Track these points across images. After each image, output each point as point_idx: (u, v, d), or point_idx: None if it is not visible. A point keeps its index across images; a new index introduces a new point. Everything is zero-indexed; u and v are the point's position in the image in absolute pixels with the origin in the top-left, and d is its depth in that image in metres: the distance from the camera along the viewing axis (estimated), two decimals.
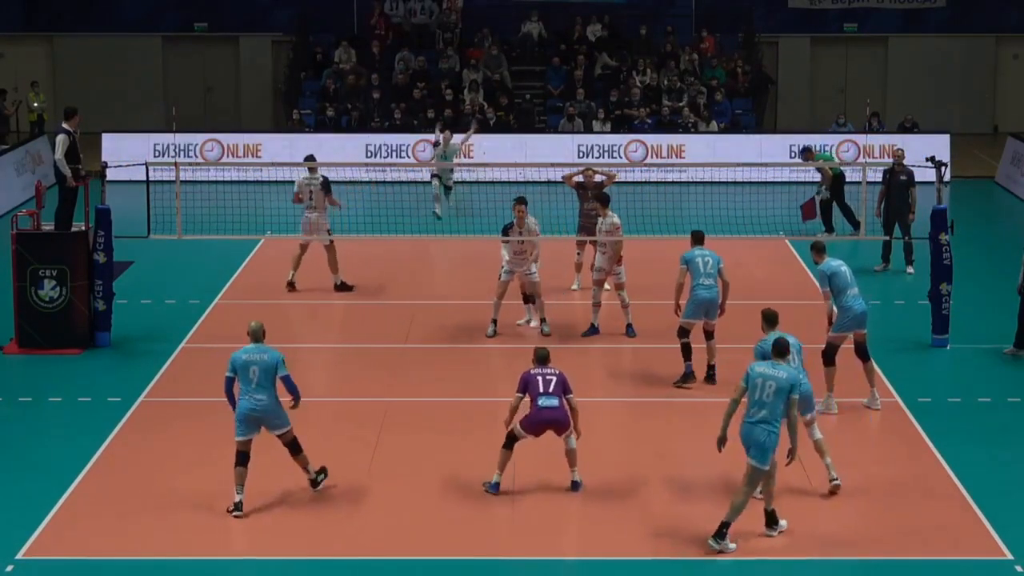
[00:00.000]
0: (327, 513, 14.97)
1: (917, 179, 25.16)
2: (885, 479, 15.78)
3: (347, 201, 25.47)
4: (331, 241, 23.43)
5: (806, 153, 29.08)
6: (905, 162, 25.12)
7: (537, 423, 15.40)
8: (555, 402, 15.34)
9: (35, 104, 38.22)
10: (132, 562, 13.87)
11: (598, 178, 23.21)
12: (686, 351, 19.03)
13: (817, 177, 28.97)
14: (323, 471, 15.57)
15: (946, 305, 20.71)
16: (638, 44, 39.03)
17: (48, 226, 20.84)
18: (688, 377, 18.96)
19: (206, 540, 14.34)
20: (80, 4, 41.70)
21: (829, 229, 27.82)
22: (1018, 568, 13.76)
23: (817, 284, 18.21)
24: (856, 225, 27.87)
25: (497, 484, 15.44)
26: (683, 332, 19.00)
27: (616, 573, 13.83)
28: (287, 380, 15.05)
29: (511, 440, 15.46)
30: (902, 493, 15.43)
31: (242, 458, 15.02)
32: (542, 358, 15.66)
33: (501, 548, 14.29)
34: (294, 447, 15.30)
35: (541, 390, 15.39)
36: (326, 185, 23.54)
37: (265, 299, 23.37)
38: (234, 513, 14.89)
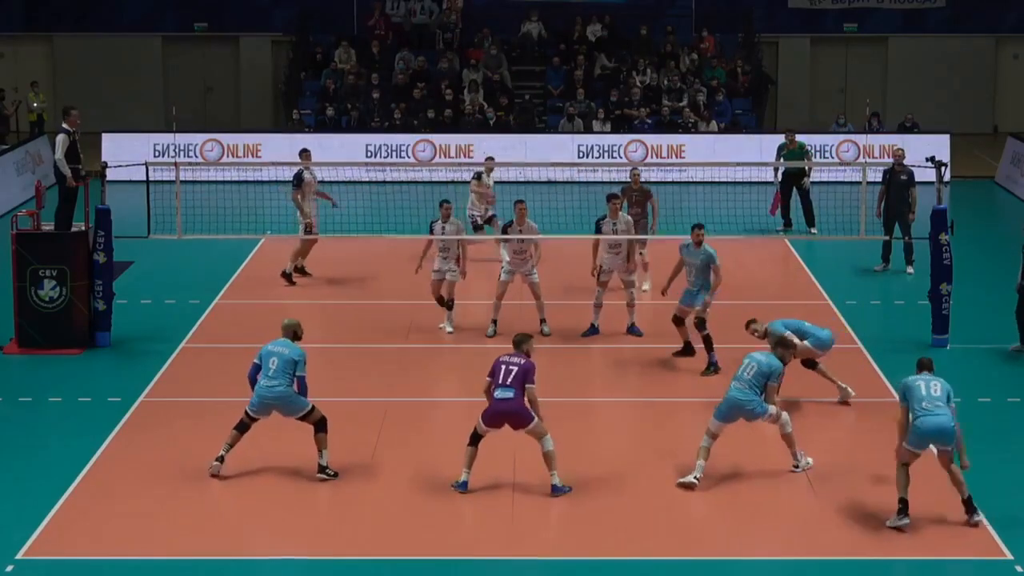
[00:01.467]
0: (326, 513, 14.97)
1: (917, 179, 25.15)
2: (885, 479, 15.76)
3: (347, 201, 25.48)
4: (307, 234, 23.91)
5: (789, 134, 29.02)
6: (905, 162, 25.11)
7: (493, 415, 15.19)
8: (510, 394, 15.06)
9: (35, 104, 38.24)
10: (132, 562, 13.86)
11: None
12: (709, 342, 19.49)
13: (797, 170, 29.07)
14: (335, 473, 15.68)
15: (946, 305, 20.71)
16: (638, 44, 39.03)
17: (48, 226, 20.84)
18: (716, 367, 19.29)
19: (206, 540, 14.33)
20: (80, 4, 41.72)
21: (811, 223, 27.97)
22: (1018, 568, 13.76)
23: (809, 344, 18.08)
24: (788, 224, 28.17)
25: (465, 483, 15.33)
26: (704, 323, 19.49)
27: (617, 573, 13.83)
28: (301, 381, 15.48)
29: (475, 437, 15.36)
30: None
31: (241, 425, 15.62)
32: (516, 343, 15.53)
33: (500, 548, 14.28)
34: (319, 426, 15.68)
35: (500, 380, 15.18)
36: (294, 179, 23.94)
37: (265, 299, 23.39)
38: (212, 463, 15.57)
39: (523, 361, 15.27)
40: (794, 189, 28.28)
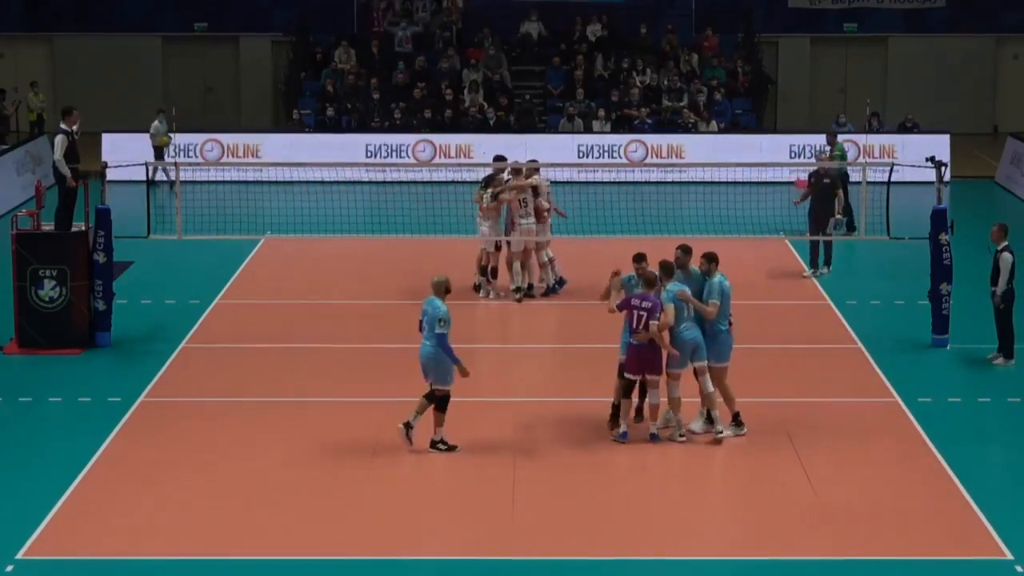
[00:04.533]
0: (328, 513, 14.95)
1: (919, 179, 25.09)
2: (885, 479, 15.78)
3: (347, 201, 25.47)
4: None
5: (831, 137, 28.78)
6: (829, 166, 25.11)
7: (629, 363, 15.97)
8: (645, 342, 15.84)
9: (35, 104, 38.23)
10: (132, 562, 13.86)
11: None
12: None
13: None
14: (451, 448, 16.18)
15: (946, 305, 20.70)
16: (638, 44, 39.03)
17: (48, 226, 20.84)
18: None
19: (206, 540, 14.33)
20: (80, 4, 41.71)
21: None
22: (1018, 568, 13.75)
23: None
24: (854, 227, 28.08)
25: (624, 433, 16.25)
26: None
27: (617, 573, 13.83)
28: (442, 339, 15.80)
29: (628, 388, 16.09)
30: (902, 493, 15.43)
31: (428, 394, 16.12)
32: (648, 283, 15.86)
33: (501, 548, 14.27)
34: (439, 404, 16.05)
35: (634, 326, 15.80)
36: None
37: (265, 299, 23.38)
38: (401, 426, 16.11)
39: (651, 304, 15.74)
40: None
